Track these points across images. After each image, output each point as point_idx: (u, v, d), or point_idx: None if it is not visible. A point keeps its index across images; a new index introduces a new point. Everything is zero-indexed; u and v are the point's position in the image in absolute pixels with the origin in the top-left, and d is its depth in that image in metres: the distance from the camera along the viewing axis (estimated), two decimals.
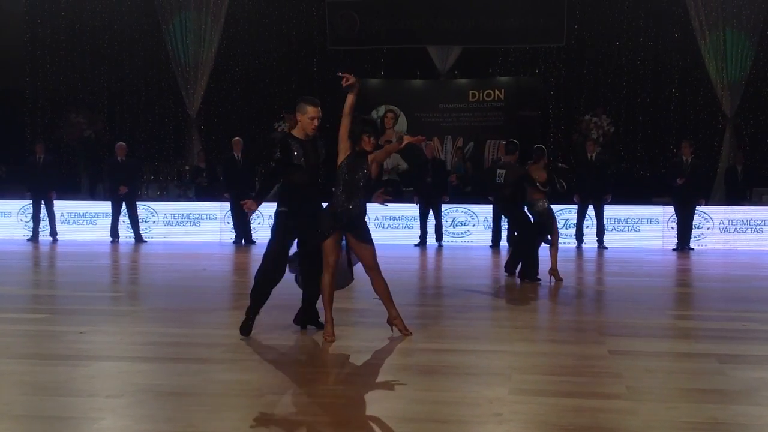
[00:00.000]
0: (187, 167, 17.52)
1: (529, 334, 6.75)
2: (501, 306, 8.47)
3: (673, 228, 14.21)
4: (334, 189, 6.14)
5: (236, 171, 14.80)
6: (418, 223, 14.58)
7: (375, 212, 15.17)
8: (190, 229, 15.58)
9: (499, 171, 10.05)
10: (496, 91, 17.94)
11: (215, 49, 17.63)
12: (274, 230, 6.35)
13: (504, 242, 14.21)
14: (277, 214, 6.34)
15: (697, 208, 13.98)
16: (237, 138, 15.13)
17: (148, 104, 19.29)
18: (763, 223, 14.36)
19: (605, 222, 14.19)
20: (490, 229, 14.45)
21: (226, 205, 15.06)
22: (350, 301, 8.70)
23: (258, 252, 13.69)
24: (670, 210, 14.24)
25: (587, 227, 14.28)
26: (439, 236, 14.52)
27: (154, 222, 15.64)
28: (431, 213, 14.49)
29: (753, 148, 17.35)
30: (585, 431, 4.04)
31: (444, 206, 14.62)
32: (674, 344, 6.32)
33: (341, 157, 6.12)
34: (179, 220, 15.69)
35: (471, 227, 14.96)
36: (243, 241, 14.83)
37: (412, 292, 9.05)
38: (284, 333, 6.46)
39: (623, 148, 17.61)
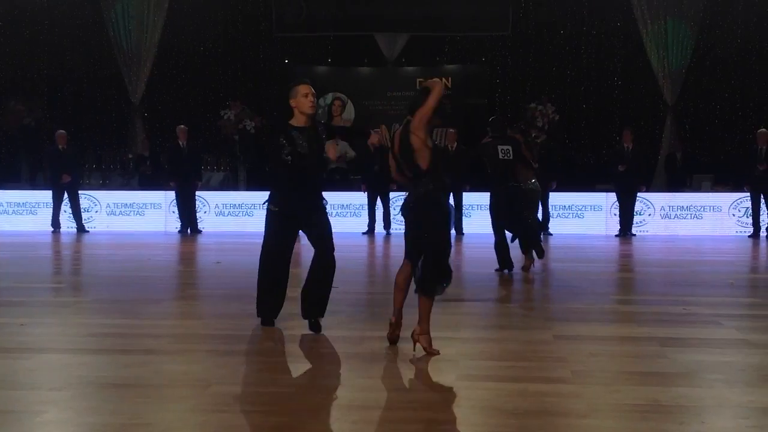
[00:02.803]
0: (130, 155, 17.23)
1: (476, 320, 6.81)
2: (449, 294, 8.46)
3: (615, 214, 14.46)
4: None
5: (181, 159, 14.62)
6: (366, 211, 14.59)
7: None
8: (134, 218, 15.33)
9: (502, 147, 9.10)
10: (443, 79, 17.96)
11: (159, 35, 17.32)
12: (266, 230, 6.02)
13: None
14: (267, 211, 5.99)
15: (639, 194, 14.26)
16: (182, 126, 14.92)
17: (90, 91, 18.90)
18: (702, 209, 14.71)
19: (550, 209, 14.39)
20: None
21: (171, 194, 14.85)
22: (299, 290, 8.68)
23: (204, 241, 13.61)
24: (612, 197, 14.49)
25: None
26: (387, 224, 14.55)
27: (96, 211, 15.36)
28: (379, 201, 14.51)
29: (693, 135, 17.73)
30: (531, 415, 4.10)
31: (392, 194, 14.64)
32: (617, 328, 6.44)
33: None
34: (123, 209, 15.43)
35: None
36: (189, 231, 14.66)
37: (361, 280, 9.05)
38: (231, 323, 6.41)
39: (567, 136, 17.82)
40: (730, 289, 8.41)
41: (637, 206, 14.36)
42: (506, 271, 9.31)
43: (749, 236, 14.06)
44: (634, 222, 14.33)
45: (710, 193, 15.25)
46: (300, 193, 5.88)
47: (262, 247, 6.08)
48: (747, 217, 14.35)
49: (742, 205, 14.49)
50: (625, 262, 11.49)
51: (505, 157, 9.12)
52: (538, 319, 6.82)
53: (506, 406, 4.23)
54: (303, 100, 5.87)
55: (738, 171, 14.83)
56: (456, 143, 14.36)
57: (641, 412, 4.11)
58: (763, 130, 14.34)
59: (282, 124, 6.01)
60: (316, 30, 17.94)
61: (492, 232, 9.44)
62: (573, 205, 14.86)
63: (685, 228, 14.61)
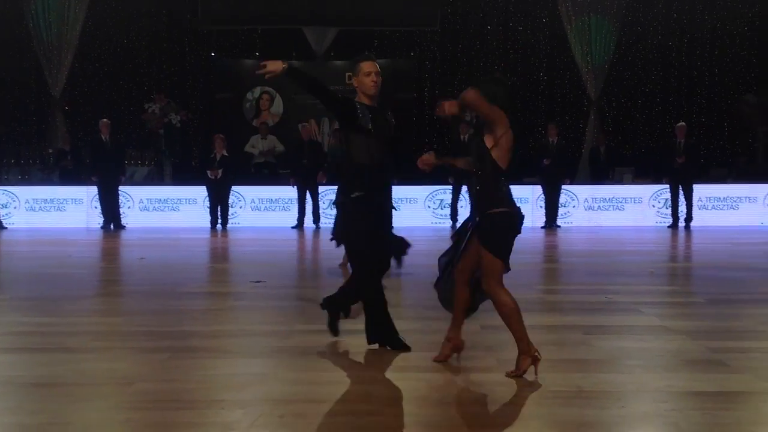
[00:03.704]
0: (50, 150, 16.74)
1: (404, 312, 6.81)
2: None
3: (541, 207, 14.72)
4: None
5: (104, 153, 14.28)
6: (296, 205, 14.51)
7: (252, 195, 14.98)
8: (55, 214, 14.91)
9: None
10: None
11: (80, 26, 16.85)
12: (356, 228, 5.09)
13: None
14: (346, 204, 5.10)
15: (563, 187, 14.55)
16: (105, 120, 14.58)
17: (8, 84, 18.26)
18: (624, 201, 15.09)
19: None
20: None
21: (94, 189, 14.50)
22: (226, 285, 8.59)
23: (128, 237, 13.32)
24: (538, 189, 14.75)
25: (461, 207, 14.59)
26: (316, 218, 14.50)
27: (15, 207, 14.88)
28: (308, 195, 14.45)
29: (615, 129, 18.16)
30: (459, 404, 4.14)
31: (321, 188, 14.59)
32: (543, 317, 6.54)
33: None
34: (43, 204, 14.98)
35: None
36: (112, 226, 14.33)
37: (290, 274, 9.00)
38: (155, 319, 6.29)
39: None
40: (650, 278, 8.65)
41: (562, 198, 14.65)
42: None
43: (668, 227, 14.49)
44: (559, 214, 14.61)
45: (631, 186, 15.64)
46: (375, 180, 5.05)
47: (359, 253, 5.16)
48: (666, 208, 14.78)
49: (661, 197, 14.91)
50: (551, 253, 11.70)
51: None
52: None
53: (434, 396, 4.26)
54: (364, 79, 5.11)
55: (658, 164, 15.27)
56: None
57: (564, 398, 4.19)
58: (682, 123, 14.81)
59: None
60: (243, 23, 17.73)
61: None
62: None
63: (608, 219, 14.96)
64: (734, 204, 14.95)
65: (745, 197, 14.94)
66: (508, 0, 18.04)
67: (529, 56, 18.33)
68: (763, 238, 12.99)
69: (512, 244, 4.80)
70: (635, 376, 4.59)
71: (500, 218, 4.71)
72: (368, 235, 5.02)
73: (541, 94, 18.47)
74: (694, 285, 8.85)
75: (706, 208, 14.82)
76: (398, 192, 14.49)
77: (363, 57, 5.25)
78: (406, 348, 5.20)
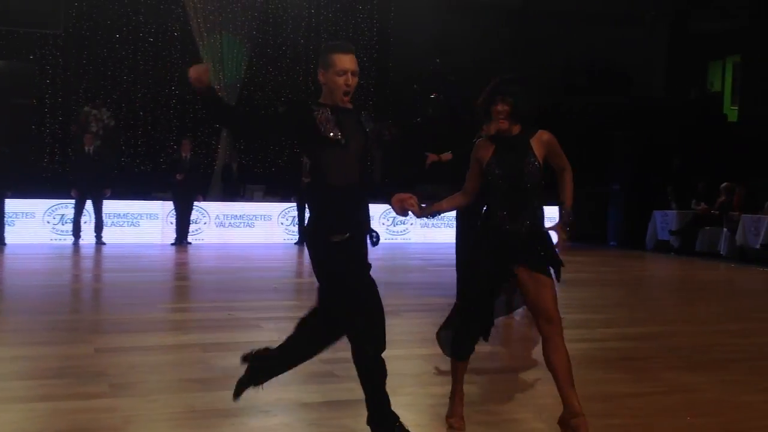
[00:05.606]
0: None
1: (10, 337, 6.24)
2: None
3: (172, 223, 14.49)
4: (487, 206, 4.01)
5: None
6: None
7: None
8: None
9: None
10: None
11: None
12: (339, 277, 3.79)
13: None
14: (326, 248, 3.72)
15: (195, 203, 14.48)
16: None
17: None
18: (254, 218, 15.43)
19: (104, 217, 13.91)
20: None
21: None
22: None
23: None
24: (169, 205, 14.50)
25: (85, 222, 13.84)
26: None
27: None
28: None
29: (247, 146, 18.48)
30: None
31: None
32: (163, 337, 6.39)
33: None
34: None
35: None
36: None
37: None
38: None
39: (124, 143, 17.39)
40: (273, 293, 8.92)
41: (193, 215, 14.57)
42: None
43: (295, 243, 15.11)
44: (190, 230, 14.50)
45: (262, 203, 16.05)
46: (354, 202, 3.76)
47: (349, 306, 3.87)
48: (293, 225, 15.41)
49: (289, 214, 15.52)
50: (180, 270, 11.55)
51: None
52: (81, 332, 6.49)
53: (33, 428, 3.92)
54: (336, 79, 3.69)
55: (287, 181, 15.90)
56: None
57: (176, 420, 4.11)
58: None
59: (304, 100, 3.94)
60: None
61: None
62: (128, 213, 14.53)
63: (239, 236, 15.18)
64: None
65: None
66: (137, 10, 17.50)
67: (161, 69, 17.95)
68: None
69: None
70: (247, 392, 4.64)
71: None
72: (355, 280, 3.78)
73: (173, 109, 18.20)
74: (315, 299, 9.28)
75: None
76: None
77: (338, 46, 3.76)
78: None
